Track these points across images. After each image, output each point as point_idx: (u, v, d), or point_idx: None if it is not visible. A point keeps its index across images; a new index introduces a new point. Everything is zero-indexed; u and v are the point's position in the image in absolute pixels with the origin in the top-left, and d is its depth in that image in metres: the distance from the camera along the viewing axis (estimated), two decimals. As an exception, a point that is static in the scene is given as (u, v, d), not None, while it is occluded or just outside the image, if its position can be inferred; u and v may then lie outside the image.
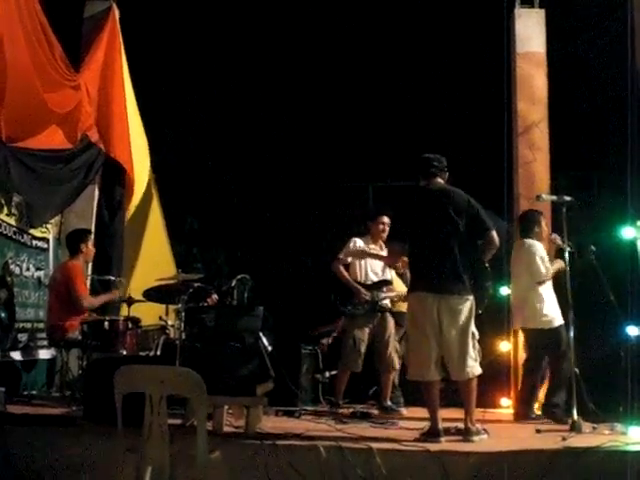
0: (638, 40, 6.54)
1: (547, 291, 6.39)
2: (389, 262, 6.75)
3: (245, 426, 5.08)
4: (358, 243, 6.98)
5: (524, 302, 6.46)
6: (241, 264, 9.90)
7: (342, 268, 6.93)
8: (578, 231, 6.88)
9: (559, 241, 6.30)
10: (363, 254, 6.89)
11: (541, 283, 6.37)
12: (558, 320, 6.28)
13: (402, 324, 6.97)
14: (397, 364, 6.84)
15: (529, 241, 6.50)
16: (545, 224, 6.70)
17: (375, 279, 6.98)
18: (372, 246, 6.97)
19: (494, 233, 5.28)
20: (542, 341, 6.33)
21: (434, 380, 5.24)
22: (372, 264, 7.02)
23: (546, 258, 6.41)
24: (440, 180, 5.48)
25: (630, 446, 4.77)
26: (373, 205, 9.70)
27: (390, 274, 7.12)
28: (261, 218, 10.95)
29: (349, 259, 6.95)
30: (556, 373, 6.30)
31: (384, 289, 6.95)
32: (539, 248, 6.46)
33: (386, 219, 6.99)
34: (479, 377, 5.26)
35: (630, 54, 6.32)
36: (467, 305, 5.22)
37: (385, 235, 6.99)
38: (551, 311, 6.32)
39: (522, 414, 6.36)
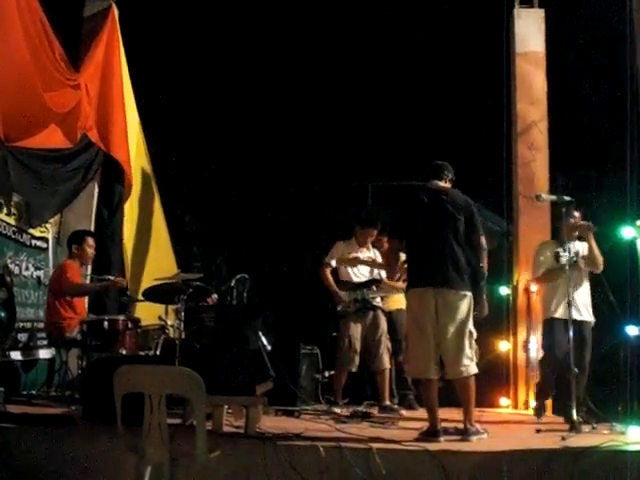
0: (638, 40, 6.54)
1: (549, 285, 6.47)
2: (389, 261, 6.69)
3: (244, 426, 5.07)
4: (342, 247, 7.12)
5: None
6: (240, 264, 9.88)
7: (328, 273, 7.07)
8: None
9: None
10: (356, 261, 6.98)
11: (535, 280, 6.69)
12: (550, 313, 6.40)
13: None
14: (387, 363, 6.87)
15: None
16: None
17: (363, 279, 7.06)
18: (359, 253, 7.10)
19: (483, 239, 5.38)
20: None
21: (433, 378, 5.22)
22: (359, 266, 7.08)
23: (541, 259, 6.46)
24: (442, 183, 5.53)
25: (629, 446, 4.76)
26: (369, 209, 9.71)
27: (380, 274, 7.17)
28: (260, 217, 10.95)
29: (333, 262, 7.05)
30: (540, 372, 6.70)
31: (373, 287, 7.00)
32: (541, 248, 6.57)
33: (375, 232, 7.05)
34: (477, 377, 5.24)
35: (629, 53, 6.32)
36: (465, 302, 5.21)
37: (370, 243, 7.17)
38: (547, 303, 6.49)
39: (536, 408, 6.63)
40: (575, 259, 6.25)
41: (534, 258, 6.56)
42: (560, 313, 6.26)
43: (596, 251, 6.25)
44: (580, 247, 6.41)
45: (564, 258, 5.98)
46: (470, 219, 5.33)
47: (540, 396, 6.67)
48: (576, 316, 6.18)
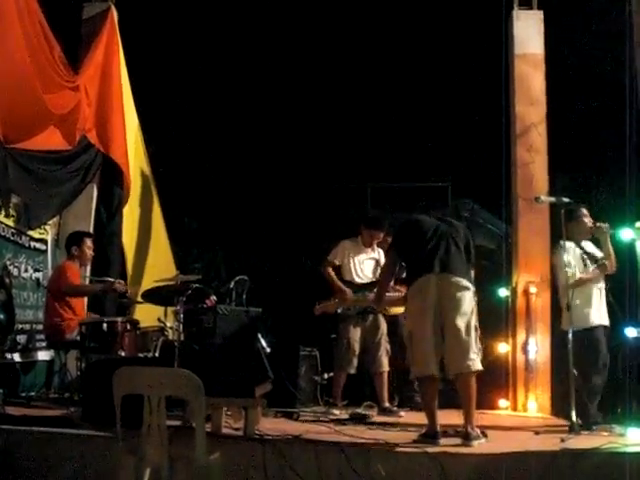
0: (637, 41, 6.54)
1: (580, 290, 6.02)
2: (385, 270, 6.52)
3: (244, 427, 5.07)
4: (347, 246, 7.10)
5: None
6: (240, 265, 9.88)
7: (330, 270, 7.06)
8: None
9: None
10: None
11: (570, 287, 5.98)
12: (590, 321, 5.97)
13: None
14: (387, 365, 6.87)
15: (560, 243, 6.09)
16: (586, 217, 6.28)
17: (366, 281, 7.02)
18: (362, 254, 7.14)
19: (472, 270, 5.46)
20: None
21: (435, 375, 5.17)
22: (362, 266, 7.10)
23: (565, 261, 6.00)
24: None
25: (628, 448, 4.77)
26: (374, 211, 9.71)
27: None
28: (260, 219, 10.94)
29: (336, 261, 7.06)
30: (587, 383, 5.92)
31: (375, 289, 6.98)
32: (559, 251, 6.12)
33: (381, 234, 7.06)
34: (477, 378, 5.23)
35: (629, 54, 6.33)
36: (468, 294, 5.23)
37: (375, 244, 7.17)
38: (584, 310, 5.99)
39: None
40: (602, 261, 6.14)
41: (556, 263, 6.27)
42: (598, 319, 6.04)
43: (612, 253, 6.16)
44: (596, 249, 6.33)
45: (590, 261, 5.94)
46: (467, 246, 5.44)
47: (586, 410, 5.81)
48: (603, 321, 6.09)
